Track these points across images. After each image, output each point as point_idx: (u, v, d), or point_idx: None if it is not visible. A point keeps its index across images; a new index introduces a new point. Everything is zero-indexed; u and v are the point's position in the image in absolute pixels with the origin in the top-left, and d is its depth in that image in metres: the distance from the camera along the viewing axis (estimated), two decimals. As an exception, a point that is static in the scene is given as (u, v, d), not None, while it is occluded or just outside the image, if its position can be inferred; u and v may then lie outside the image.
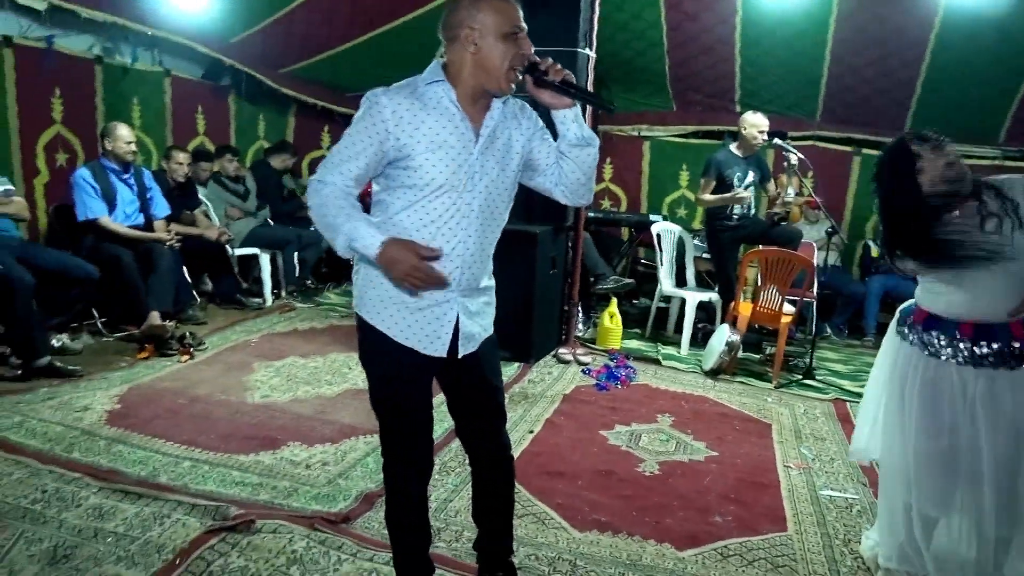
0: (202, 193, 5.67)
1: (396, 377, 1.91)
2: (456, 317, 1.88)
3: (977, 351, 2.21)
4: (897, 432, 2.39)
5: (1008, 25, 5.05)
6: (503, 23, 1.76)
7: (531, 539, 2.55)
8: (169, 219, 5.04)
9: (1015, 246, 2.12)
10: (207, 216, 5.57)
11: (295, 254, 5.97)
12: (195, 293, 5.20)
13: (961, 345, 2.23)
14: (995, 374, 2.20)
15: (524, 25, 1.80)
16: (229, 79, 6.58)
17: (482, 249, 1.90)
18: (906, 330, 2.38)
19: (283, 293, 5.97)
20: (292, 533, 2.42)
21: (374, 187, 1.88)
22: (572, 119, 1.88)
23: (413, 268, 1.68)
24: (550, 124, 1.96)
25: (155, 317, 4.39)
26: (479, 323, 1.96)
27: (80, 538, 2.33)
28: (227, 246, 5.49)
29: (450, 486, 2.89)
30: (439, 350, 1.88)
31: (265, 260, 5.73)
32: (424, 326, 1.86)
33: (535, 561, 2.42)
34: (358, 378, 4.11)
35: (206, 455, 3.03)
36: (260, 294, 5.71)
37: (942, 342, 2.26)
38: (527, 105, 1.97)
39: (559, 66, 1.83)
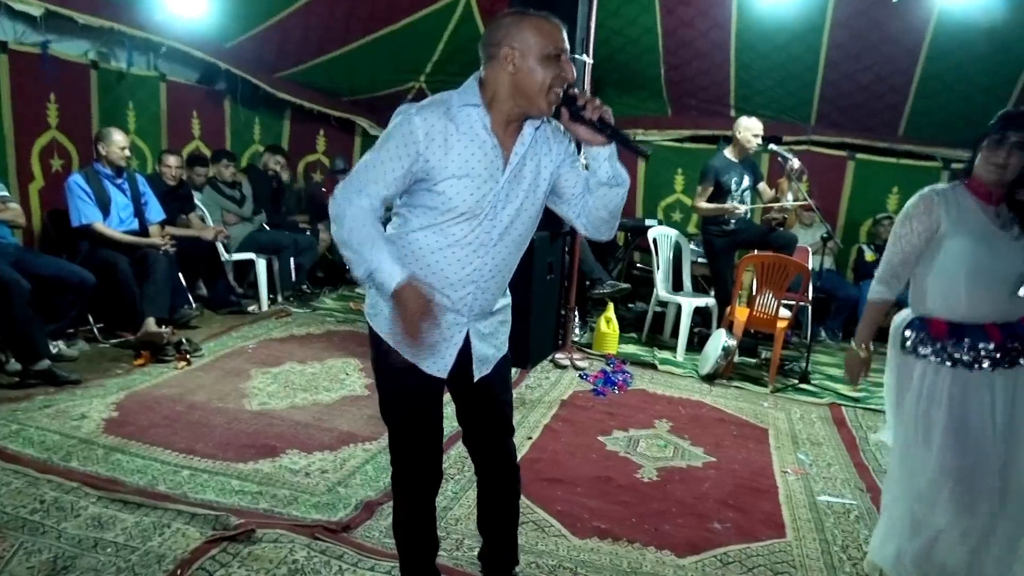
0: (198, 198, 5.66)
1: (406, 391, 1.90)
2: (464, 340, 1.88)
3: (1005, 349, 2.21)
4: (918, 450, 2.32)
5: (1000, 32, 5.09)
6: (546, 44, 1.69)
7: (531, 547, 2.55)
8: (164, 224, 5.03)
9: None
10: (203, 221, 5.56)
11: (291, 259, 5.96)
12: (191, 298, 5.18)
13: (989, 349, 2.21)
14: (1016, 369, 2.21)
15: (568, 47, 1.75)
16: (225, 84, 6.57)
17: (500, 273, 1.88)
18: (921, 347, 2.30)
19: (279, 298, 5.96)
20: (293, 543, 2.42)
21: (396, 199, 1.85)
22: (606, 157, 1.80)
23: (420, 318, 1.71)
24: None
25: (151, 323, 4.37)
26: (493, 344, 1.96)
27: (80, 548, 2.32)
28: (223, 250, 5.48)
29: (450, 494, 2.89)
30: (441, 370, 1.87)
31: (261, 265, 5.72)
32: (428, 339, 1.82)
33: (536, 569, 2.42)
34: (356, 384, 4.11)
35: (205, 463, 3.02)
36: (256, 299, 5.69)
37: (971, 349, 2.23)
38: (560, 128, 1.88)
39: (598, 101, 1.75)
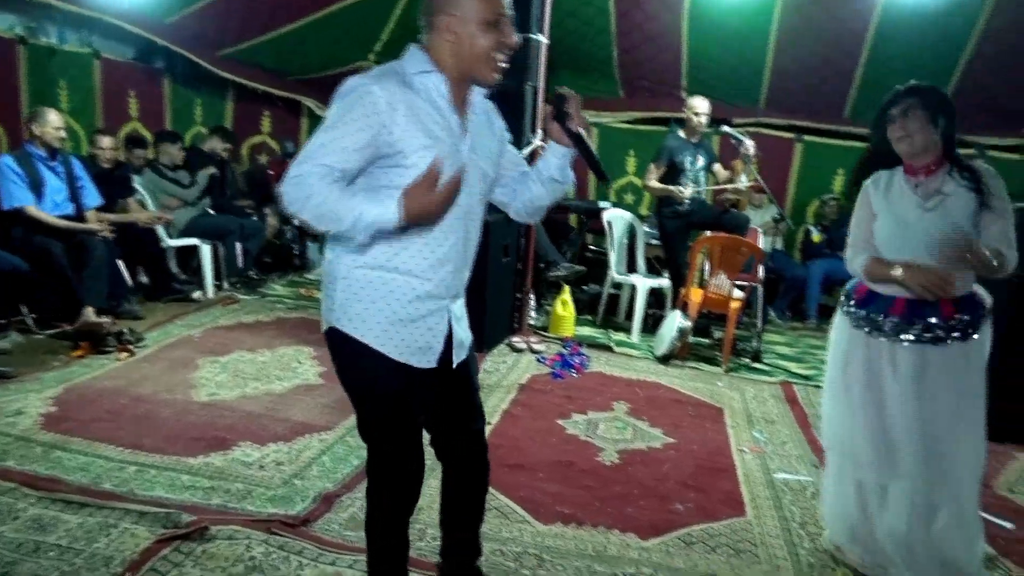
0: (137, 182, 5.42)
1: (394, 396, 1.77)
2: (448, 326, 1.81)
3: (907, 327, 2.28)
4: (842, 409, 2.46)
5: (942, 18, 5.21)
6: (486, 9, 1.65)
7: (496, 534, 2.52)
8: (101, 209, 4.81)
9: (949, 222, 2.22)
10: (143, 206, 5.33)
11: (237, 244, 5.77)
12: (131, 286, 4.97)
13: (892, 321, 2.31)
14: (924, 349, 2.27)
15: (509, 12, 1.70)
16: (163, 62, 6.30)
17: (471, 249, 1.83)
18: (851, 309, 2.44)
19: (225, 285, 5.77)
20: (249, 539, 2.33)
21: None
22: (562, 156, 1.84)
23: (443, 201, 1.61)
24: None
25: (90, 313, 4.19)
26: (464, 326, 1.90)
27: (19, 554, 2.19)
28: (164, 235, 5.27)
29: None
30: (431, 361, 1.79)
31: (206, 251, 5.52)
32: (417, 338, 1.75)
33: (501, 557, 2.39)
34: (309, 372, 4.01)
35: (152, 458, 2.89)
36: (202, 286, 5.50)
37: (877, 318, 2.34)
38: (495, 108, 1.91)
39: (583, 115, 1.79)
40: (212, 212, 5.88)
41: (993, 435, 2.37)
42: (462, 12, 1.64)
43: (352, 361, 1.77)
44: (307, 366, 4.10)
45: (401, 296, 1.72)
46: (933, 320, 2.26)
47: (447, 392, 1.91)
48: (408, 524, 1.95)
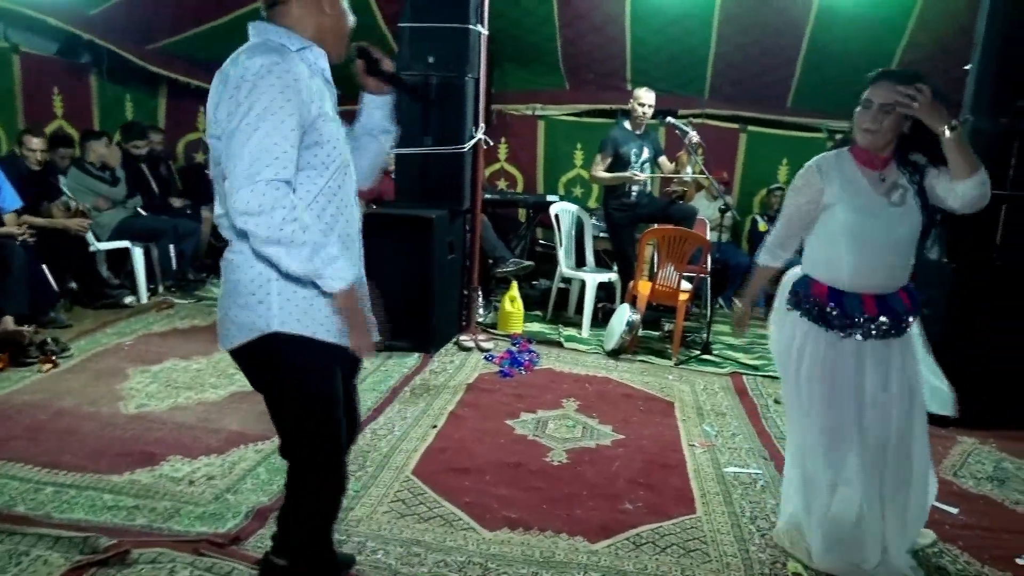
0: (63, 183, 5.14)
1: (333, 387, 1.76)
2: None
3: (877, 323, 2.25)
4: (798, 407, 2.42)
5: (881, 8, 5.27)
6: None
7: (439, 544, 2.42)
8: (24, 212, 4.54)
9: (911, 217, 2.21)
10: (67, 208, 5.05)
11: (171, 246, 5.53)
12: (58, 293, 4.72)
13: (864, 319, 2.25)
14: (887, 342, 2.27)
15: None
16: (90, 56, 6.00)
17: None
18: (802, 305, 2.37)
19: (160, 289, 5.53)
20: (174, 562, 2.19)
21: None
22: (384, 104, 1.93)
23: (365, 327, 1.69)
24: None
25: (9, 322, 3.95)
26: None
27: (-84, 589, 2.02)
28: (92, 239, 5.02)
29: (350, 493, 2.71)
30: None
31: (138, 253, 5.28)
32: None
33: (444, 568, 2.29)
34: (245, 380, 3.83)
35: (72, 477, 2.71)
36: (134, 291, 5.25)
37: (844, 317, 2.27)
38: None
39: (387, 58, 1.88)
40: (144, 213, 5.63)
41: (938, 420, 2.37)
42: None
43: (303, 363, 1.71)
44: (244, 372, 3.93)
45: None
46: (898, 310, 2.26)
47: (348, 375, 1.93)
48: None
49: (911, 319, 2.30)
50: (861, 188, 2.26)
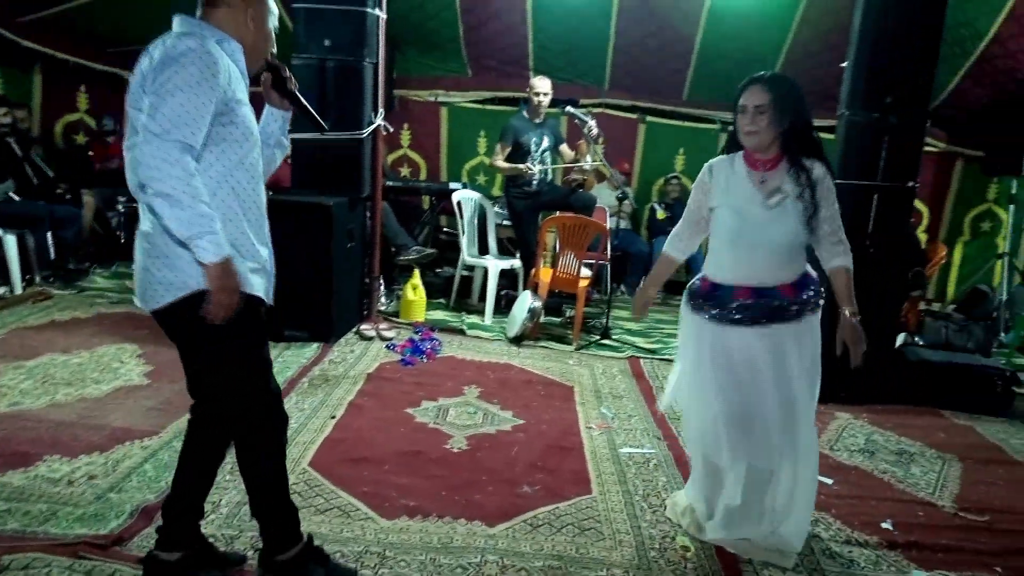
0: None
1: (261, 337, 1.97)
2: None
3: (751, 308, 2.35)
4: (698, 395, 2.52)
5: (769, 4, 5.50)
6: (270, 17, 1.94)
7: (336, 535, 2.39)
8: None
9: (787, 222, 2.31)
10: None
11: (49, 233, 5.19)
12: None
13: (738, 306, 2.37)
14: (773, 329, 2.36)
15: None
16: (-49, 28, 5.54)
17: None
18: (693, 301, 2.49)
19: (37, 279, 5.19)
20: (50, 567, 2.07)
21: None
22: (283, 119, 2.10)
23: (234, 299, 1.76)
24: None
25: None
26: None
27: None
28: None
29: (243, 487, 2.64)
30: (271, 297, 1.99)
31: (11, 241, 4.93)
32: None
33: (342, 559, 2.26)
34: (132, 372, 3.67)
35: (-66, 483, 2.52)
36: (7, 282, 4.91)
37: (724, 306, 2.38)
38: None
39: (293, 78, 2.06)
40: (16, 198, 5.25)
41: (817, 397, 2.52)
42: (262, 10, 1.90)
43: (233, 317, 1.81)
44: (131, 365, 3.76)
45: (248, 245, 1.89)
46: (776, 303, 2.34)
47: None
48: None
49: (795, 308, 2.36)
50: (742, 190, 2.37)
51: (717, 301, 2.40)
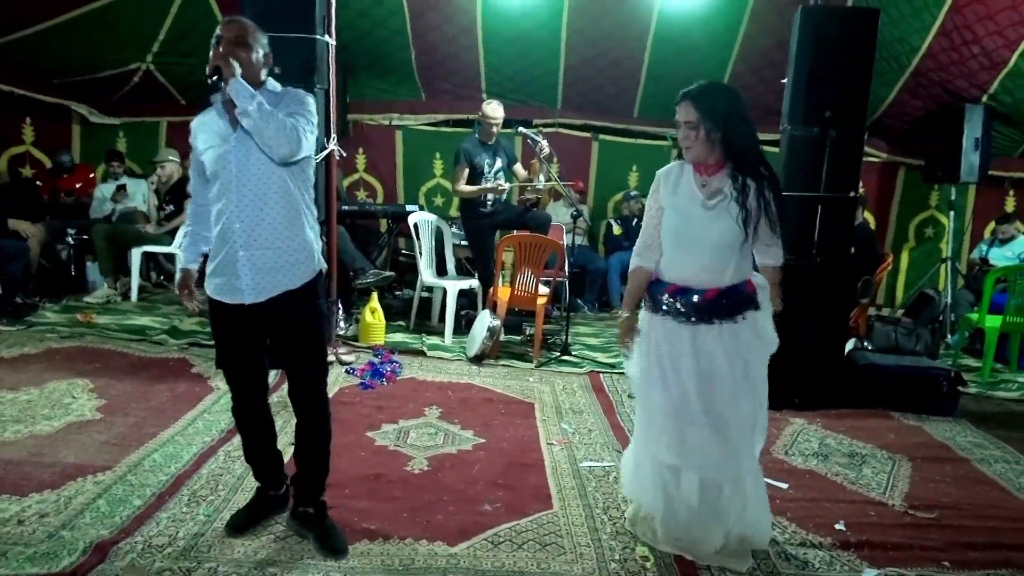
0: None
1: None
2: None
3: (700, 309, 2.43)
4: (645, 390, 2.58)
5: (711, 22, 5.67)
6: None
7: (295, 563, 2.37)
8: None
9: (725, 223, 2.39)
10: None
11: (-5, 269, 5.08)
12: None
13: (666, 299, 2.48)
14: (718, 327, 2.43)
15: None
16: None
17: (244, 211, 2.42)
18: (647, 301, 2.58)
19: (-17, 316, 5.06)
20: (-2, 609, 2.03)
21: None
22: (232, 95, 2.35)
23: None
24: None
25: None
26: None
27: None
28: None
29: (201, 518, 2.61)
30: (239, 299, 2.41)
31: (-45, 278, 4.82)
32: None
33: (301, 587, 2.25)
34: (85, 407, 3.59)
35: None
36: (-48, 319, 4.79)
37: (655, 299, 2.52)
38: None
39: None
40: (-39, 233, 5.14)
41: (772, 403, 2.58)
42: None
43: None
44: (82, 400, 3.68)
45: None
46: (692, 301, 2.43)
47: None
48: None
49: (708, 311, 2.42)
50: (686, 192, 2.48)
51: (650, 294, 2.54)
